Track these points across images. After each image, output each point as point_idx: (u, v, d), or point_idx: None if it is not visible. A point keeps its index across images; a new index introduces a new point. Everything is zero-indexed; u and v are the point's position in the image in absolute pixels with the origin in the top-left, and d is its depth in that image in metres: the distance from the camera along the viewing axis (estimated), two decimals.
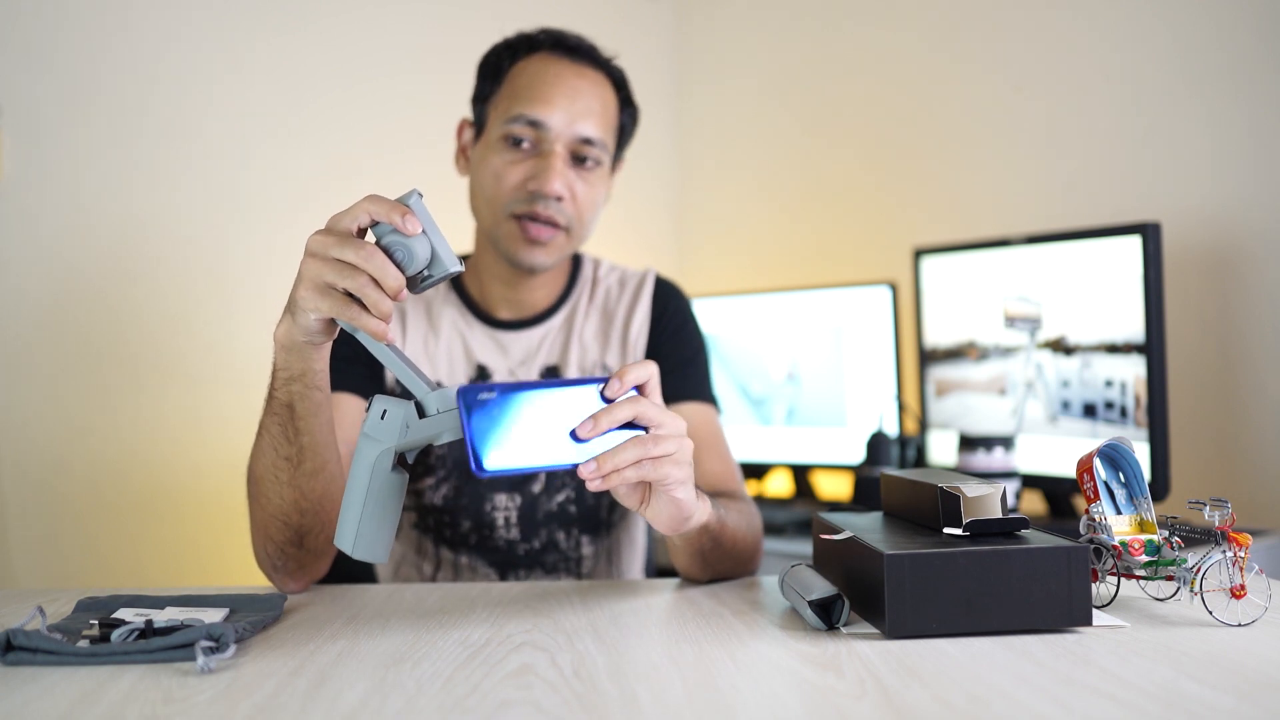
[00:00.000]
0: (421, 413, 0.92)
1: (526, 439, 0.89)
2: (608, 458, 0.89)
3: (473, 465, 0.87)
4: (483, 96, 1.39)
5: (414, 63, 2.34)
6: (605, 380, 0.92)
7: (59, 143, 1.94)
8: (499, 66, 1.37)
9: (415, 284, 0.92)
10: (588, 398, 0.91)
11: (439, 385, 0.93)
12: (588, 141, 1.33)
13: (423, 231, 0.91)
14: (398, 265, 0.90)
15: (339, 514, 0.93)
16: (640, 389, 0.94)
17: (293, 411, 1.02)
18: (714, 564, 1.13)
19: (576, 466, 0.89)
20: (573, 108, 1.32)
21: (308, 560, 1.10)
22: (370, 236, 0.93)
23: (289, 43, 2.18)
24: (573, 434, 0.90)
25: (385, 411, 0.92)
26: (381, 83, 2.30)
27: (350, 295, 0.91)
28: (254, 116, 2.14)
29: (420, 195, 0.91)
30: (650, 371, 0.95)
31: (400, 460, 0.93)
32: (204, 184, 2.08)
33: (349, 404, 1.28)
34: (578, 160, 1.34)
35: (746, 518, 1.19)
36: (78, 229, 1.96)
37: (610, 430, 0.91)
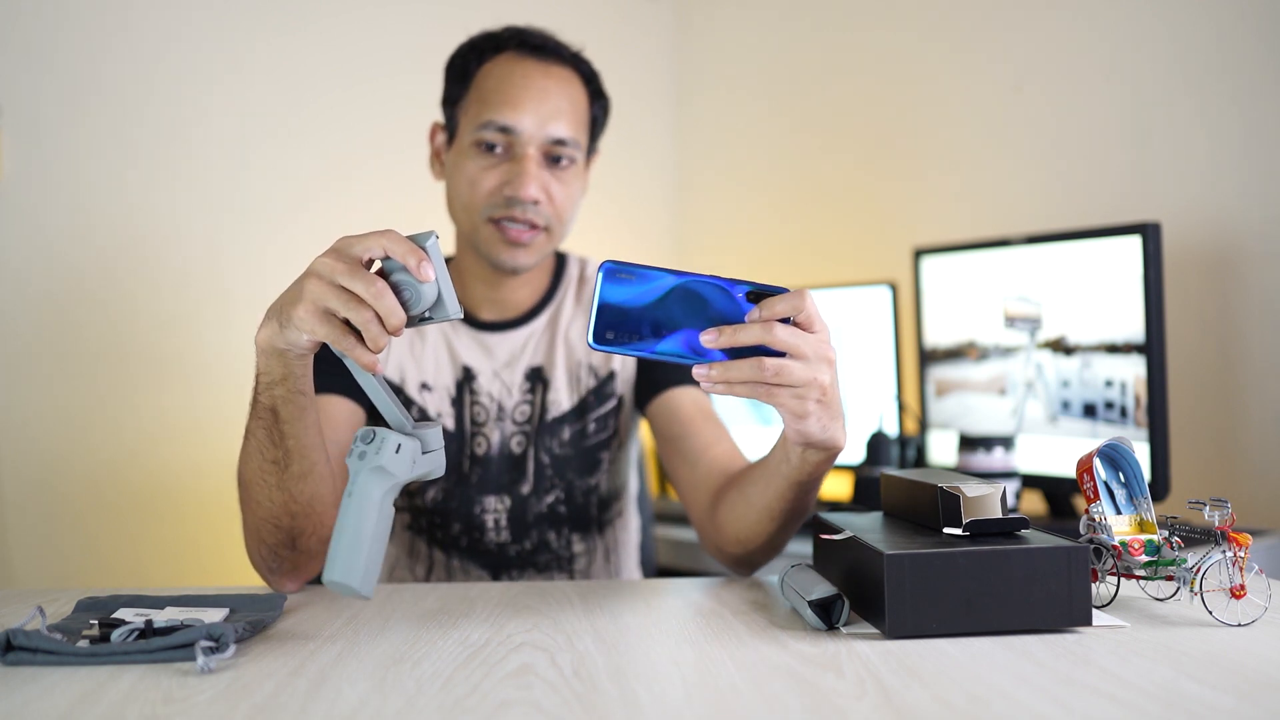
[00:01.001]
0: (423, 446, 0.92)
1: (649, 323, 0.89)
2: (725, 368, 0.89)
3: (589, 337, 0.88)
4: (452, 100, 1.38)
5: (414, 63, 2.33)
6: (757, 289, 0.89)
7: (59, 143, 1.94)
8: (465, 69, 1.36)
9: (412, 322, 0.92)
10: (730, 301, 0.90)
11: (418, 421, 0.94)
12: (560, 142, 1.32)
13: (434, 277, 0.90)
14: (402, 304, 0.90)
15: (336, 547, 0.90)
16: (796, 321, 0.90)
17: (276, 416, 1.01)
18: (795, 509, 1.10)
19: (691, 364, 0.89)
20: (542, 109, 1.31)
21: (301, 561, 1.09)
22: (377, 264, 0.92)
23: (289, 43, 2.18)
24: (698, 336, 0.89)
25: (400, 446, 0.91)
26: (381, 83, 2.30)
27: (348, 324, 0.90)
28: (254, 117, 2.14)
29: (436, 237, 0.91)
30: (799, 305, 0.89)
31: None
32: (203, 184, 2.08)
33: (336, 406, 1.28)
34: (551, 160, 1.33)
35: None
36: (78, 229, 1.96)
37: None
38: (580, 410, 1.40)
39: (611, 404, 1.41)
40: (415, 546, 1.40)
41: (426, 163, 1.44)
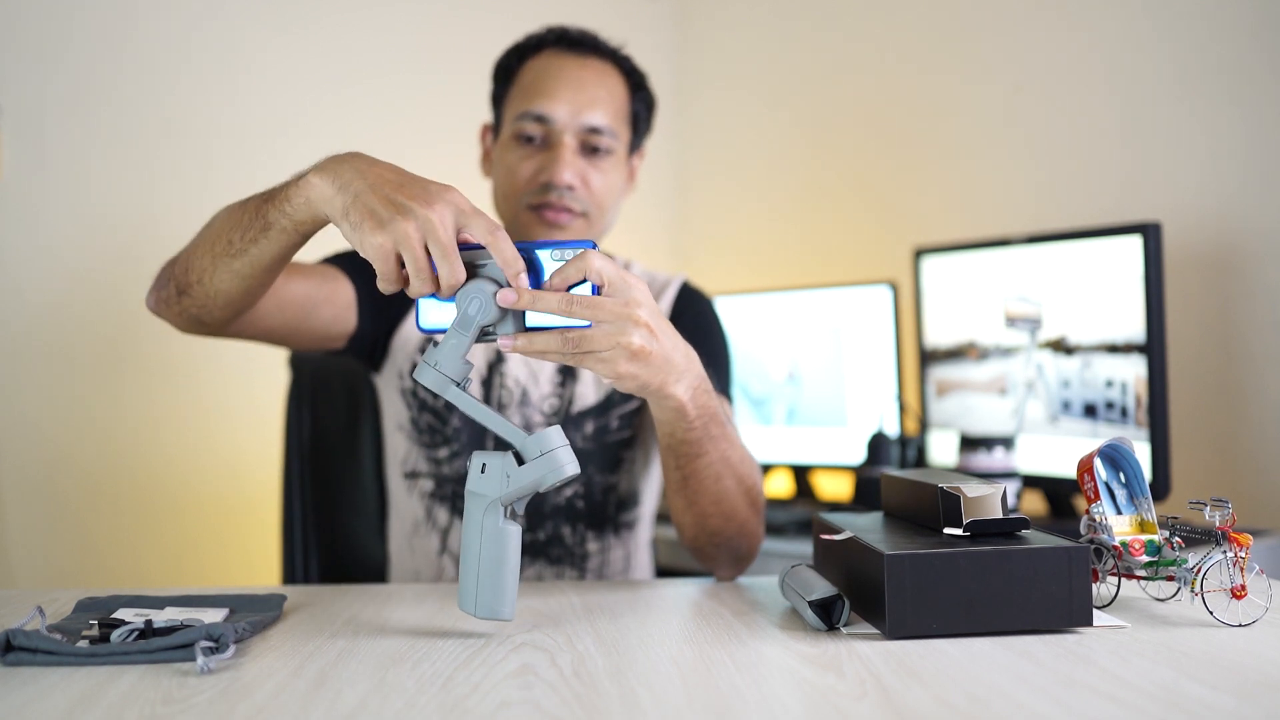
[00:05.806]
0: (519, 460, 0.92)
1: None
2: (529, 340, 0.90)
3: (415, 320, 0.93)
4: (497, 99, 1.44)
5: (415, 63, 2.33)
6: (562, 246, 0.91)
7: (59, 142, 1.94)
8: (509, 68, 1.42)
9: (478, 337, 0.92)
10: (547, 265, 0.92)
11: (533, 430, 0.94)
12: (595, 130, 1.37)
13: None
14: (467, 311, 0.89)
15: (459, 577, 0.91)
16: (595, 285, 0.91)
17: (267, 230, 1.02)
18: (689, 482, 1.10)
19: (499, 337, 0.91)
20: (577, 98, 1.36)
21: (174, 305, 1.14)
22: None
23: (291, 42, 2.18)
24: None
25: (485, 465, 0.92)
26: (382, 83, 2.30)
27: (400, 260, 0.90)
28: (255, 116, 2.14)
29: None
30: (583, 269, 0.90)
31: (511, 513, 0.93)
32: (204, 183, 2.08)
33: (337, 281, 1.30)
34: (589, 150, 1.37)
35: (746, 461, 1.15)
36: (78, 228, 1.96)
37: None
38: (605, 405, 1.41)
39: (635, 402, 1.42)
40: (434, 512, 1.41)
41: (477, 163, 1.49)
